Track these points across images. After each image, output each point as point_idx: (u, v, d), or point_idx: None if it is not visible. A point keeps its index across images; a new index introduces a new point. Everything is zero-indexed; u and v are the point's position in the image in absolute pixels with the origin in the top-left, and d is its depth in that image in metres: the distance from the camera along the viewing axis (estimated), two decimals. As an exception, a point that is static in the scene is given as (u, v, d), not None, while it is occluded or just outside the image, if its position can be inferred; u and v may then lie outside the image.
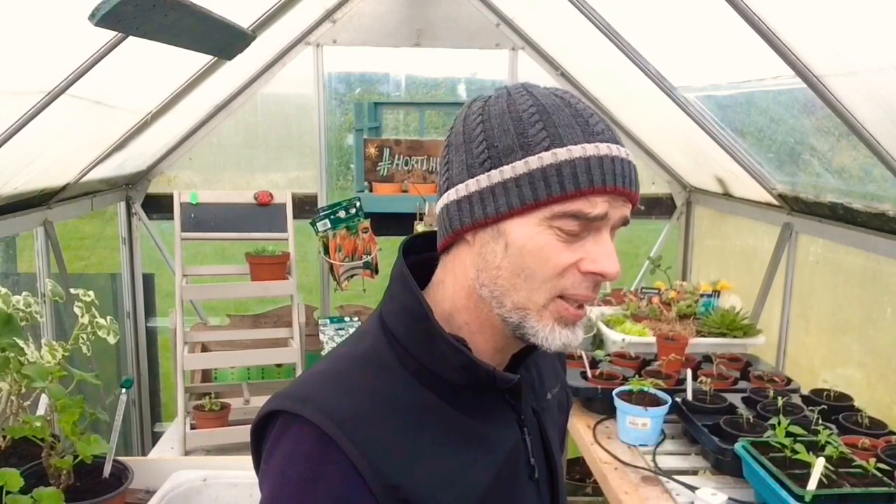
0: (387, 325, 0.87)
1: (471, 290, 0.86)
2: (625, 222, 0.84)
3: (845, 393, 2.21)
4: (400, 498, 0.78)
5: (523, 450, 0.91)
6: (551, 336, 0.83)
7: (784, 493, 1.57)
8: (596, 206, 0.79)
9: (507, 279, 0.83)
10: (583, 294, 0.82)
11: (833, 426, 1.95)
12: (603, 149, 0.80)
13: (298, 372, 3.00)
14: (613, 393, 2.16)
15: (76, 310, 1.70)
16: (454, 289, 0.87)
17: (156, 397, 3.90)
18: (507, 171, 0.80)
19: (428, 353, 0.84)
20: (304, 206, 3.55)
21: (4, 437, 1.66)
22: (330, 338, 3.25)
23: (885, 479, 1.63)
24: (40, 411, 1.70)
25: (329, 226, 3.27)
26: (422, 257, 0.92)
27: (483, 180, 0.82)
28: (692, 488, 1.80)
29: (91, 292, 1.72)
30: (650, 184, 3.79)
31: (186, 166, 3.60)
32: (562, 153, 0.79)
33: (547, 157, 0.79)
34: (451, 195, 0.85)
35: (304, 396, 0.81)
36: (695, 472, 1.94)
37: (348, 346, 0.90)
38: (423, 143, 3.46)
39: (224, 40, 2.26)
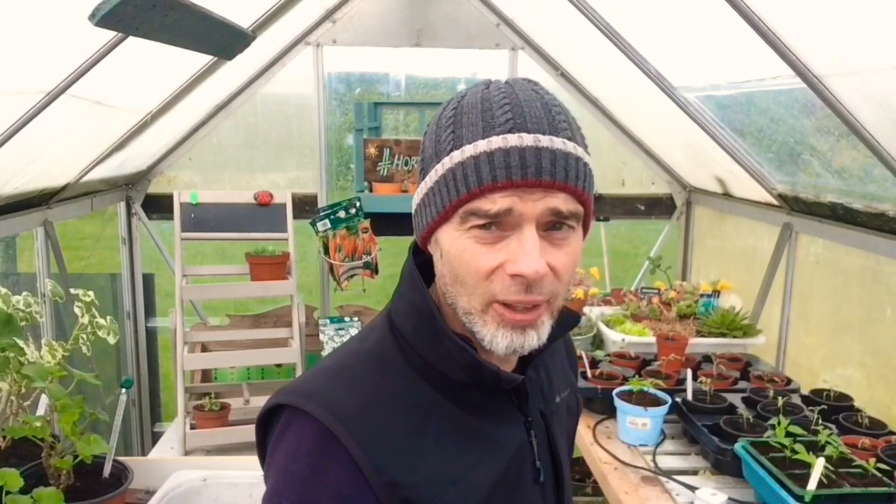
0: (394, 323, 0.88)
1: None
2: (557, 214, 0.78)
3: (845, 393, 2.21)
4: (401, 496, 0.78)
5: (529, 452, 0.91)
6: (495, 340, 0.81)
7: (784, 493, 1.57)
8: (495, 202, 0.77)
9: (450, 286, 0.83)
10: (512, 298, 0.79)
11: (833, 426, 1.95)
12: (496, 142, 0.77)
13: (298, 372, 2.99)
14: (613, 393, 2.16)
15: (76, 310, 1.70)
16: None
17: (156, 397, 3.90)
18: (429, 180, 0.82)
19: (434, 352, 0.84)
20: (304, 206, 3.55)
21: (4, 437, 1.66)
22: (330, 338, 3.24)
23: (884, 479, 1.63)
24: (40, 411, 1.70)
25: (329, 226, 3.27)
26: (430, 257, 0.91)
27: (420, 191, 0.84)
28: (692, 488, 1.80)
29: (91, 292, 1.72)
30: (650, 184, 3.79)
31: (186, 166, 3.60)
32: (457, 155, 0.78)
33: (448, 161, 0.79)
34: (413, 204, 0.88)
35: (308, 392, 0.81)
36: (695, 472, 1.94)
37: (355, 343, 0.91)
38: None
39: (224, 40, 2.26)
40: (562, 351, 1.08)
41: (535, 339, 0.82)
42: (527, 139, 0.77)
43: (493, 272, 0.79)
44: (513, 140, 0.77)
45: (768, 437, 1.83)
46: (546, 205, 0.77)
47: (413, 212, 0.87)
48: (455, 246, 0.80)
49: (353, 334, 3.23)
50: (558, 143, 0.78)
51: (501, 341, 0.81)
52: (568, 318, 0.89)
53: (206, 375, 3.41)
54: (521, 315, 0.80)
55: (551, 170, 0.77)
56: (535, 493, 0.92)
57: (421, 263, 0.89)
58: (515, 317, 0.80)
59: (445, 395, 0.84)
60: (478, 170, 0.77)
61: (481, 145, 0.77)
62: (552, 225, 0.79)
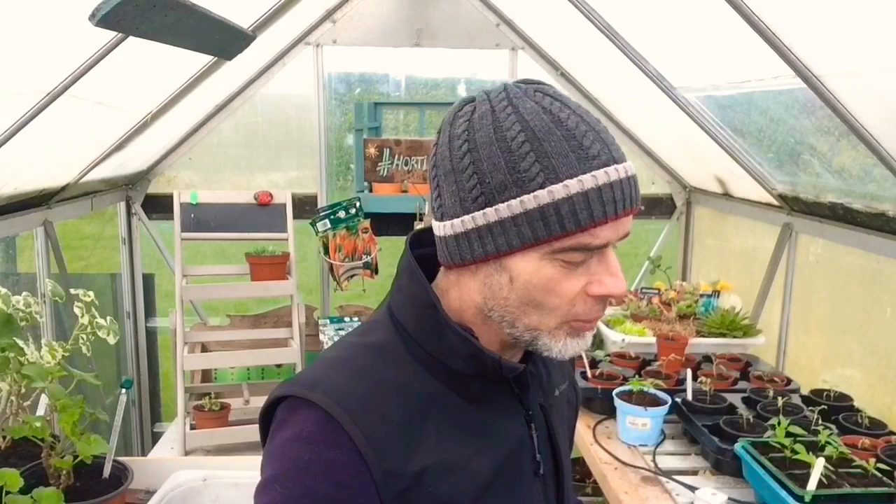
0: (395, 317, 0.88)
1: (478, 311, 0.85)
2: (626, 236, 0.81)
3: (845, 393, 2.21)
4: (399, 486, 0.78)
5: (529, 445, 0.91)
6: (564, 350, 0.83)
7: (784, 494, 1.57)
8: (598, 237, 0.77)
9: (517, 307, 0.82)
10: (594, 317, 0.82)
11: (833, 426, 1.94)
12: (601, 177, 0.76)
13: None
14: (613, 393, 2.16)
15: (76, 310, 1.70)
16: (460, 303, 0.87)
17: (156, 397, 3.90)
18: (503, 210, 0.77)
19: (436, 342, 0.84)
20: (304, 206, 3.55)
21: (4, 438, 1.66)
22: (330, 338, 3.24)
23: (885, 479, 1.63)
24: (40, 411, 1.70)
25: (329, 226, 3.27)
26: (429, 251, 0.90)
27: (479, 218, 0.79)
28: (692, 488, 1.80)
29: (91, 292, 1.72)
30: (650, 184, 3.79)
31: (186, 166, 3.60)
32: (558, 190, 0.75)
33: (543, 196, 0.75)
34: (447, 228, 0.82)
35: (312, 382, 0.82)
36: (695, 473, 1.94)
37: (357, 336, 0.91)
38: (423, 143, 3.46)
39: (224, 40, 2.26)
40: None
41: (589, 341, 0.85)
42: (617, 171, 0.77)
43: (576, 296, 0.80)
44: (612, 174, 0.76)
45: (768, 437, 1.83)
46: (626, 229, 0.80)
47: (453, 235, 0.82)
48: (539, 275, 0.79)
49: (353, 334, 3.25)
50: (631, 169, 0.79)
51: (571, 349, 0.83)
52: None
53: (206, 375, 3.41)
54: (589, 324, 0.83)
55: (634, 197, 0.79)
56: (536, 485, 0.92)
57: (417, 257, 0.89)
58: (587, 325, 0.83)
59: (448, 386, 0.85)
60: (590, 207, 0.75)
61: (587, 181, 0.75)
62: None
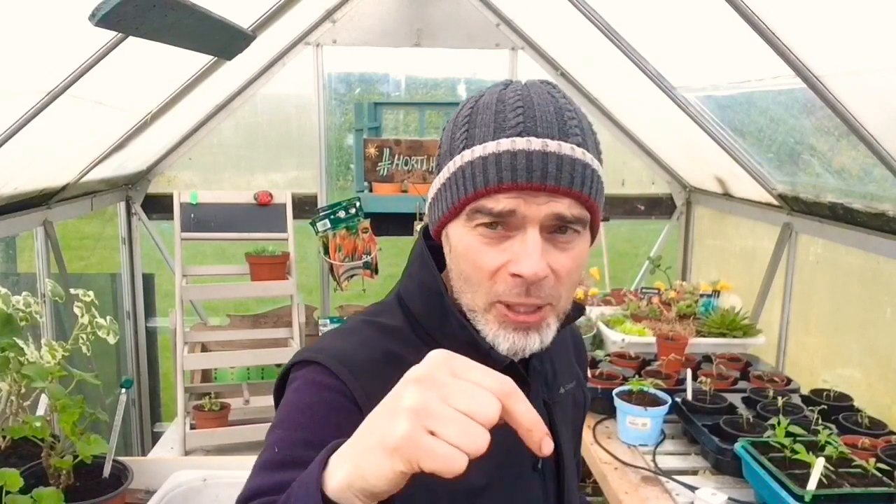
0: (404, 301, 0.91)
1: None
2: (560, 218, 0.79)
3: (845, 393, 2.21)
4: None
5: None
6: (496, 340, 0.83)
7: (784, 493, 1.57)
8: (499, 202, 0.78)
9: (456, 281, 0.86)
10: (514, 300, 0.80)
11: (833, 426, 1.95)
12: (506, 144, 0.78)
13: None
14: (613, 393, 2.16)
15: (76, 310, 1.70)
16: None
17: (156, 397, 3.90)
18: (443, 176, 0.85)
19: (440, 328, 0.87)
20: (304, 206, 3.55)
21: (4, 437, 1.66)
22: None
23: (884, 479, 1.63)
24: (40, 411, 1.70)
25: (329, 226, 3.27)
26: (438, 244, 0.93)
27: (435, 185, 0.87)
28: (692, 488, 1.80)
29: (91, 292, 1.71)
30: (650, 184, 3.79)
31: (186, 166, 3.60)
32: (468, 154, 0.81)
33: (458, 160, 0.82)
34: (428, 196, 0.91)
35: (318, 348, 0.87)
36: (695, 472, 1.94)
37: (365, 315, 0.94)
38: (423, 143, 3.46)
39: (224, 40, 2.26)
40: (569, 345, 1.10)
41: (537, 341, 0.83)
42: (535, 143, 0.78)
43: (496, 272, 0.80)
44: (521, 143, 0.78)
45: (768, 437, 1.83)
46: (550, 209, 0.79)
47: (427, 204, 0.91)
48: (462, 242, 0.82)
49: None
50: (566, 148, 0.79)
51: (503, 342, 0.82)
52: (572, 311, 0.90)
53: (206, 375, 3.40)
54: (523, 317, 0.81)
55: (556, 175, 0.78)
56: (534, 478, 0.93)
57: (431, 247, 0.91)
58: (518, 318, 0.81)
59: None
60: (485, 170, 0.79)
61: (490, 146, 0.79)
62: (557, 228, 0.81)
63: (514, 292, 0.80)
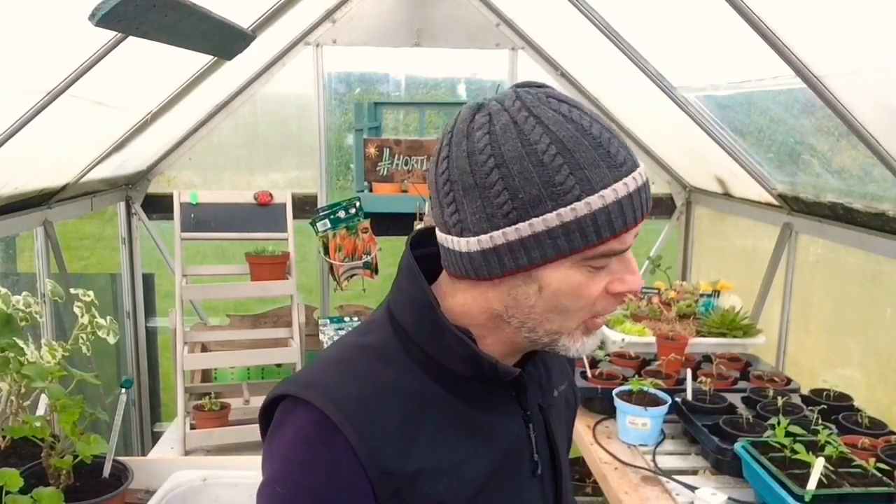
0: (394, 317, 0.88)
1: (494, 317, 0.85)
2: (637, 234, 0.83)
3: (845, 393, 2.21)
4: (394, 485, 0.79)
5: (527, 445, 0.92)
6: (581, 349, 0.86)
7: (784, 493, 1.57)
8: (625, 242, 0.80)
9: (541, 314, 0.83)
10: (612, 311, 0.86)
11: (833, 426, 1.94)
12: (631, 184, 0.78)
13: (298, 372, 3.00)
14: (613, 393, 2.16)
15: (76, 310, 1.70)
16: (467, 308, 0.86)
17: (156, 397, 3.90)
18: (538, 224, 0.77)
19: (434, 344, 0.85)
20: (304, 206, 3.55)
21: (4, 437, 1.66)
22: (330, 338, 3.24)
23: (884, 479, 1.63)
24: (40, 411, 1.70)
25: (329, 226, 3.27)
26: (429, 251, 0.90)
27: (510, 233, 0.78)
28: (692, 488, 1.80)
29: (91, 292, 1.71)
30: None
31: (186, 166, 3.60)
32: (595, 201, 0.76)
33: (581, 208, 0.76)
34: (472, 244, 0.80)
35: (308, 382, 0.83)
36: (694, 472, 1.94)
37: (355, 336, 0.91)
38: (423, 143, 3.46)
39: (224, 40, 2.26)
40: None
41: (600, 337, 0.91)
42: (640, 175, 0.80)
43: (598, 296, 0.82)
44: (639, 179, 0.79)
45: (768, 436, 1.83)
46: (638, 230, 0.81)
47: (479, 251, 0.80)
48: (569, 282, 0.80)
49: (352, 334, 3.24)
50: (643, 168, 0.82)
51: (588, 347, 0.87)
52: None
53: (206, 375, 3.41)
54: (601, 320, 0.86)
55: (649, 202, 0.82)
56: (533, 485, 0.93)
57: (418, 258, 0.89)
58: (601, 322, 0.86)
59: (445, 387, 0.85)
60: (623, 215, 0.77)
61: (620, 190, 0.77)
62: None
63: (614, 305, 0.84)
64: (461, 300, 0.87)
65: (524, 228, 0.77)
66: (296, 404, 0.81)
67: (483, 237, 0.79)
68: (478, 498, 0.85)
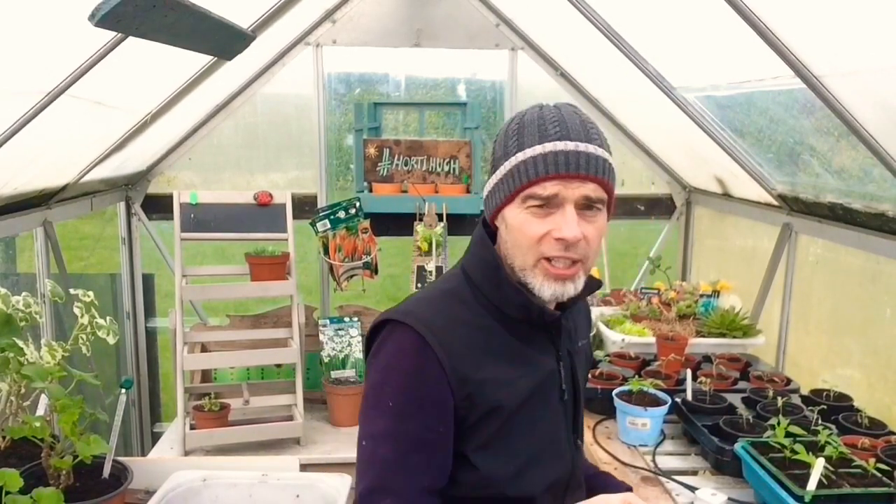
0: (467, 273, 1.23)
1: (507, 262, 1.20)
2: (588, 198, 1.12)
3: (845, 393, 2.21)
4: (467, 390, 1.12)
5: (557, 377, 1.25)
6: (541, 288, 1.15)
7: (784, 494, 1.57)
8: (546, 188, 1.11)
9: (510, 249, 1.18)
10: (556, 254, 1.13)
11: (833, 426, 1.95)
12: (549, 147, 1.11)
13: (298, 372, 3.00)
14: (613, 393, 2.17)
15: (76, 310, 1.70)
16: (502, 253, 1.21)
17: (155, 397, 3.89)
18: (499, 173, 1.17)
19: (497, 293, 1.18)
20: (304, 207, 3.55)
21: (4, 438, 1.66)
22: (330, 338, 3.24)
23: (884, 479, 1.63)
24: (40, 411, 1.70)
25: (329, 226, 3.27)
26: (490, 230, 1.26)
27: (492, 181, 1.20)
28: (692, 488, 1.80)
29: (91, 292, 1.71)
30: (650, 184, 3.79)
31: (186, 166, 3.60)
32: (521, 155, 1.13)
33: (515, 160, 1.14)
34: (485, 191, 1.24)
35: (406, 311, 1.17)
36: (694, 473, 1.94)
37: (439, 284, 1.28)
38: (422, 143, 3.46)
39: (224, 40, 2.26)
40: (582, 309, 1.40)
41: (572, 289, 1.16)
42: (570, 145, 1.11)
43: (542, 238, 1.13)
44: (560, 145, 1.11)
45: (768, 437, 1.83)
46: (581, 192, 1.12)
47: (484, 197, 1.23)
48: (517, 219, 1.15)
49: (352, 335, 3.23)
50: (591, 148, 1.12)
51: (547, 290, 1.15)
52: (592, 283, 1.23)
53: (206, 375, 3.40)
54: (562, 270, 1.14)
55: (586, 166, 1.11)
56: (560, 407, 1.26)
57: (487, 233, 1.23)
58: (558, 271, 1.14)
59: (503, 325, 1.19)
60: (535, 166, 1.11)
61: (538, 149, 1.12)
62: (585, 206, 1.13)
63: (556, 248, 1.12)
64: (502, 249, 1.20)
65: (495, 177, 1.18)
66: (396, 327, 1.15)
67: (486, 186, 1.22)
68: (524, 407, 1.17)
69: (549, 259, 1.12)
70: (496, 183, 1.17)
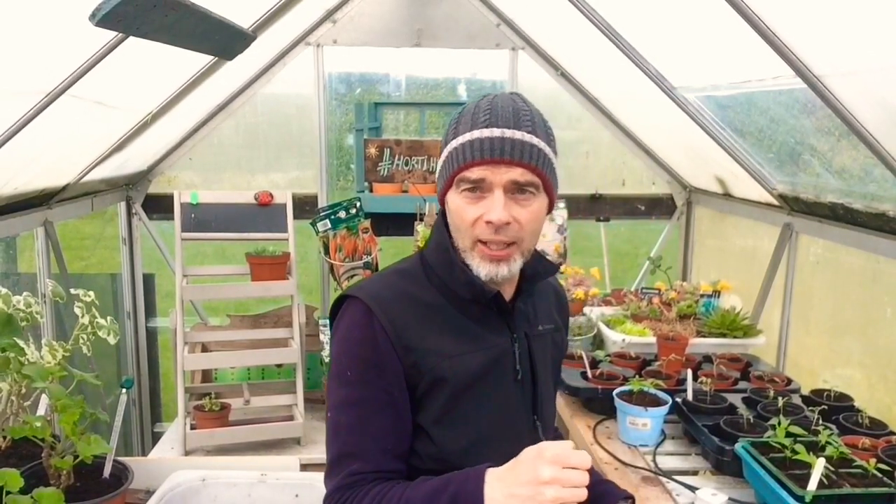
0: (424, 255, 1.30)
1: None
2: (516, 182, 1.16)
3: (845, 393, 2.21)
4: (412, 358, 1.18)
5: (511, 358, 1.28)
6: (478, 269, 1.20)
7: (784, 494, 1.57)
8: (474, 173, 1.16)
9: (453, 232, 1.24)
10: (486, 237, 1.18)
11: (833, 426, 1.94)
12: (476, 133, 1.16)
13: (299, 372, 3.00)
14: (613, 393, 2.16)
15: (76, 310, 1.70)
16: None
17: (156, 397, 3.90)
18: (441, 159, 1.24)
19: (448, 273, 1.24)
20: (305, 207, 3.55)
21: (4, 437, 1.66)
22: (330, 338, 3.24)
23: (885, 479, 1.63)
24: (40, 411, 1.70)
25: (329, 226, 3.27)
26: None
27: (438, 166, 1.26)
28: (692, 489, 1.80)
29: (91, 292, 1.72)
30: (650, 184, 3.79)
31: (186, 166, 3.60)
32: (454, 142, 1.19)
33: (450, 147, 1.20)
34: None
35: (360, 287, 1.25)
36: (695, 473, 1.94)
37: (397, 264, 1.34)
38: (423, 143, 3.46)
39: (224, 40, 2.26)
40: (551, 297, 1.44)
41: (506, 270, 1.20)
42: (496, 132, 1.16)
43: (476, 221, 1.17)
44: (486, 132, 1.16)
45: (768, 437, 1.83)
46: (508, 176, 1.15)
47: (438, 177, 1.28)
48: (454, 202, 1.20)
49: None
50: (518, 134, 1.16)
51: (482, 269, 1.20)
52: (547, 266, 1.31)
53: (207, 375, 3.40)
54: (495, 252, 1.19)
55: (511, 152, 1.15)
56: (516, 388, 1.29)
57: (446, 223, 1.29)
58: (492, 253, 1.19)
59: (453, 305, 1.24)
60: (464, 152, 1.17)
61: (467, 136, 1.17)
62: (516, 190, 1.17)
63: (488, 232, 1.17)
64: (451, 232, 1.26)
65: (439, 163, 1.25)
66: (351, 302, 1.23)
67: (437, 173, 1.28)
68: (474, 386, 1.22)
69: (484, 242, 1.17)
70: (440, 169, 1.24)
